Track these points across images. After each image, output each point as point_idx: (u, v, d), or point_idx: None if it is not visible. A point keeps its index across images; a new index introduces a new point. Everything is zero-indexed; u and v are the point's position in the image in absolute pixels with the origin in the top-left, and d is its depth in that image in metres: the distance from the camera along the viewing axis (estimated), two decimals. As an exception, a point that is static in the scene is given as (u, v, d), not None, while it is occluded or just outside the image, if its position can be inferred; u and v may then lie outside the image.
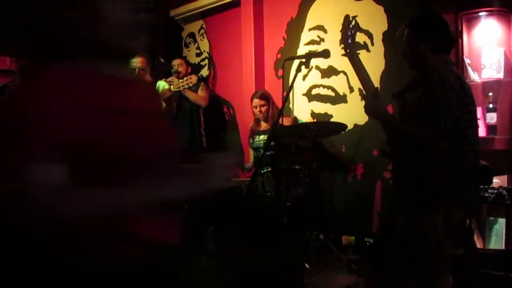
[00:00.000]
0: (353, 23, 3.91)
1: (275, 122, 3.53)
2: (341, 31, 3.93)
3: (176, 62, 4.85)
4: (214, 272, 3.05)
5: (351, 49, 2.32)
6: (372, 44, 4.01)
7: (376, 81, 3.83)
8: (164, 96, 3.76)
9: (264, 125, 4.18)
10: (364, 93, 2.24)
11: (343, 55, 2.35)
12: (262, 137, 4.15)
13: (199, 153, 4.48)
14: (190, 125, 4.75)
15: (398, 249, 2.23)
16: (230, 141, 5.16)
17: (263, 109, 4.11)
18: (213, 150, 4.93)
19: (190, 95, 4.69)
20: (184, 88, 3.76)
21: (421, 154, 2.08)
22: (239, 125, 5.11)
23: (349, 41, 2.33)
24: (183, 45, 5.74)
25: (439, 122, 1.97)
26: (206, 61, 5.52)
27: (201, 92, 4.81)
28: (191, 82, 3.75)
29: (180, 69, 4.80)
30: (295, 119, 4.32)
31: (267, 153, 3.39)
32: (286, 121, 3.96)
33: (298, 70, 2.46)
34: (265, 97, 4.12)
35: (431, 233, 2.07)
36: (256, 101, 4.13)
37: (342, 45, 2.34)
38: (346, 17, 4.15)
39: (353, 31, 2.31)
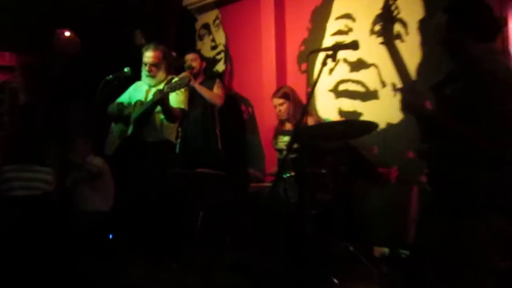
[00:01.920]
0: (393, 7, 3.87)
1: (298, 122, 3.53)
2: (378, 16, 3.92)
3: (189, 57, 4.89)
4: (232, 286, 3.08)
5: (389, 37, 2.30)
6: (407, 33, 3.98)
7: (411, 74, 3.80)
8: (154, 97, 3.74)
9: (288, 125, 4.20)
10: (400, 87, 2.24)
11: (381, 43, 2.35)
12: (286, 138, 4.16)
13: (214, 156, 4.26)
14: (204, 126, 4.79)
15: (436, 261, 2.21)
16: (249, 143, 5.20)
17: (283, 108, 4.13)
18: (229, 154, 4.80)
19: (204, 92, 4.72)
20: (174, 90, 3.71)
21: (464, 155, 2.05)
22: (259, 125, 5.14)
23: (386, 28, 2.31)
24: (196, 37, 5.79)
25: (488, 119, 1.94)
26: (222, 55, 5.54)
27: (217, 89, 4.82)
28: (183, 83, 3.69)
29: (194, 64, 4.85)
30: (320, 118, 4.38)
31: (290, 156, 3.53)
32: (310, 121, 3.97)
33: (324, 63, 2.47)
34: (284, 95, 4.13)
35: (474, 244, 2.06)
36: (274, 100, 4.17)
37: (377, 33, 2.33)
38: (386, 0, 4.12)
39: (392, 16, 2.27)
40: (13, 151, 4.22)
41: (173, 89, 3.64)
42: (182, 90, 3.84)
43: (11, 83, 5.27)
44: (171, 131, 3.98)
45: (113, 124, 4.08)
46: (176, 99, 3.89)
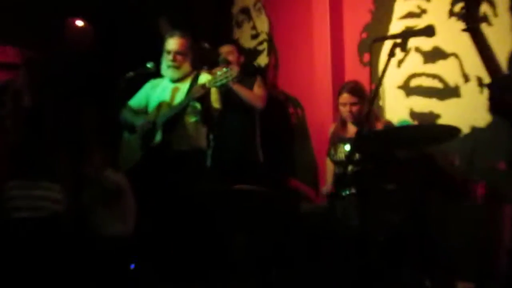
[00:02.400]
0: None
1: (361, 127, 3.58)
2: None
3: (224, 49, 5.01)
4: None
5: (474, 20, 2.31)
6: (495, 14, 3.96)
7: (501, 66, 3.77)
8: (195, 94, 3.87)
9: (352, 130, 4.23)
10: (488, 81, 2.21)
11: (463, 30, 2.35)
12: (348, 146, 4.20)
13: (254, 170, 4.39)
14: (242, 134, 4.89)
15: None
16: (297, 153, 5.21)
17: (355, 108, 4.10)
18: (274, 167, 4.66)
19: (242, 92, 4.80)
20: (221, 85, 3.84)
21: None
22: (311, 130, 5.15)
23: (470, 8, 2.33)
24: (233, 24, 5.89)
25: None
26: (265, 45, 5.62)
27: (257, 88, 4.92)
28: (230, 76, 3.84)
29: (230, 57, 4.98)
30: (388, 121, 4.35)
31: (350, 169, 3.60)
32: (377, 125, 4.02)
33: (392, 54, 2.54)
34: (359, 92, 4.12)
35: None
36: (345, 96, 4.12)
37: (458, 16, 2.33)
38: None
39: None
40: (16, 163, 4.32)
41: (219, 83, 3.73)
42: (216, 88, 3.94)
43: (15, 83, 5.40)
44: (203, 137, 4.10)
45: (126, 134, 4.18)
46: (211, 97, 4.00)
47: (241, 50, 5.30)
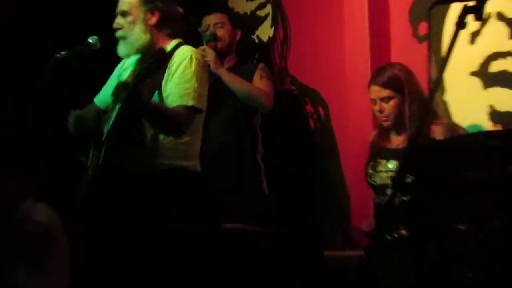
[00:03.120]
0: None
1: (415, 134, 3.53)
2: None
3: (211, 19, 5.06)
4: None
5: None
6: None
7: None
8: (200, 72, 3.89)
9: (396, 140, 4.22)
10: None
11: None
12: (392, 164, 4.20)
13: (255, 203, 4.68)
14: (235, 148, 4.92)
15: None
16: (318, 174, 5.23)
17: (388, 106, 4.11)
18: (284, 196, 5.05)
19: (237, 85, 4.87)
20: (145, 76, 3.70)
21: None
22: (339, 139, 5.13)
23: None
24: None
25: None
26: (268, 9, 5.66)
27: (259, 80, 4.97)
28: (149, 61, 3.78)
29: (220, 32, 5.01)
30: (456, 125, 4.36)
31: (399, 197, 3.59)
32: (438, 131, 4.02)
33: (461, 24, 2.47)
34: (392, 82, 4.12)
35: None
36: (374, 89, 4.18)
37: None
38: None
39: None
40: None
41: (145, 75, 3.70)
42: (192, 66, 3.88)
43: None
44: (181, 150, 4.01)
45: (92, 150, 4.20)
46: (179, 89, 3.91)
47: (236, 20, 5.31)
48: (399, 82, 4.11)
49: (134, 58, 4.20)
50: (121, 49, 4.13)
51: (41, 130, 4.34)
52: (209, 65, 4.64)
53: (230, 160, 4.90)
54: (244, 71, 4.96)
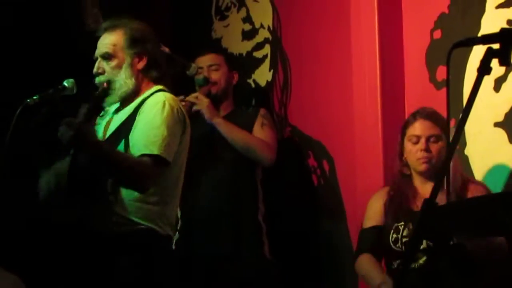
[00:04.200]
0: None
1: (432, 192, 3.12)
2: None
3: (205, 61, 4.94)
4: None
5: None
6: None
7: None
8: (170, 120, 3.77)
9: (425, 190, 4.07)
10: None
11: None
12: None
13: (257, 271, 4.53)
14: (233, 208, 4.78)
15: None
16: (322, 237, 5.16)
17: (437, 147, 4.01)
18: (285, 263, 5.07)
19: (235, 136, 4.79)
20: (85, 121, 3.66)
21: None
22: (345, 198, 5.02)
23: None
24: (213, 13, 5.94)
25: None
26: (266, 50, 5.60)
27: (261, 129, 4.91)
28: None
29: (214, 76, 4.91)
30: (482, 185, 4.21)
31: (413, 265, 3.75)
32: (477, 192, 3.96)
33: (484, 70, 2.38)
34: (441, 124, 4.07)
35: None
36: (425, 124, 4.08)
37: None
38: None
39: None
40: None
41: (91, 111, 3.72)
42: (164, 113, 3.78)
43: None
44: (150, 211, 3.86)
45: None
46: (145, 136, 3.77)
47: (233, 61, 5.24)
48: (444, 123, 4.01)
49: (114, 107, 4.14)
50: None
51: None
52: (202, 115, 4.62)
53: (227, 223, 4.74)
54: (243, 119, 4.86)
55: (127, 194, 3.78)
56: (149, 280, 3.81)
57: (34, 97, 3.82)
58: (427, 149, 3.97)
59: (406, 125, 4.11)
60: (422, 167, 4.00)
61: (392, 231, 4.06)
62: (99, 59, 3.95)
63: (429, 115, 4.06)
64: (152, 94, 3.95)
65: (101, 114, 4.24)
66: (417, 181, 4.06)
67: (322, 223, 5.17)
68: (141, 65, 3.95)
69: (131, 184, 3.73)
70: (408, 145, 4.04)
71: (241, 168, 4.84)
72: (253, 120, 4.88)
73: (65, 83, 3.89)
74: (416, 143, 4.00)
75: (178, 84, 4.40)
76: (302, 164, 5.27)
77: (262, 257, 4.77)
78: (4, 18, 5.62)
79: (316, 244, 5.16)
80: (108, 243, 3.79)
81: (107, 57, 3.93)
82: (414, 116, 4.09)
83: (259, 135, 4.84)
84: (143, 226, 3.82)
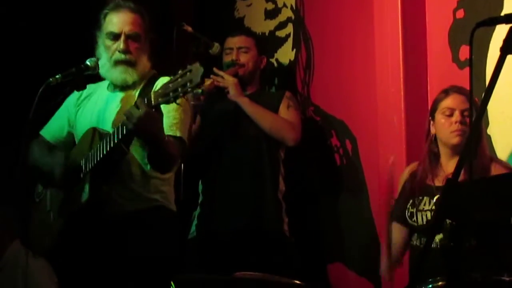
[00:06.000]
0: None
1: (455, 170, 3.17)
2: None
3: (235, 42, 5.00)
4: None
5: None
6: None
7: None
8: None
9: (449, 167, 4.04)
10: None
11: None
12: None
13: (276, 248, 4.56)
14: (254, 184, 4.86)
15: None
16: (345, 217, 5.17)
17: (468, 121, 4.00)
18: (306, 241, 5.08)
19: (260, 117, 4.84)
20: (176, 97, 3.47)
21: None
22: (368, 178, 5.05)
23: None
24: None
25: None
26: (289, 29, 5.64)
27: (287, 110, 4.96)
28: (192, 81, 3.55)
29: (243, 58, 4.96)
30: (508, 165, 4.22)
31: (436, 243, 3.76)
32: (491, 167, 3.98)
33: (507, 49, 2.45)
34: (473, 100, 4.01)
35: None
36: (458, 98, 4.06)
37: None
38: None
39: None
40: None
41: (174, 94, 3.51)
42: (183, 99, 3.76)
43: None
44: (165, 189, 4.03)
45: (40, 188, 4.21)
46: (169, 119, 3.87)
47: (263, 45, 5.25)
48: (475, 104, 3.99)
49: (94, 87, 4.14)
50: (123, 76, 3.99)
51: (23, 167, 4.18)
52: (228, 92, 4.71)
53: (248, 199, 4.80)
54: (269, 100, 4.93)
55: (150, 173, 3.90)
56: (164, 254, 3.90)
57: (57, 76, 3.85)
58: (462, 121, 3.98)
59: (437, 101, 4.11)
60: (456, 139, 4.01)
61: (408, 205, 4.11)
62: (127, 38, 3.95)
63: (462, 90, 4.07)
64: (153, 78, 4.02)
65: (83, 96, 4.25)
66: (444, 158, 4.07)
67: (344, 202, 5.20)
68: (151, 48, 4.07)
69: (166, 164, 3.84)
70: (440, 119, 4.05)
71: (263, 146, 4.89)
72: (279, 101, 4.93)
73: (88, 62, 3.92)
74: (450, 115, 4.00)
75: (202, 64, 4.23)
76: (325, 144, 5.28)
77: (281, 233, 4.83)
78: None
79: (338, 224, 5.20)
80: (125, 219, 3.89)
81: (137, 37, 3.98)
82: (447, 91, 4.09)
83: (284, 116, 4.91)
84: (158, 203, 3.96)
